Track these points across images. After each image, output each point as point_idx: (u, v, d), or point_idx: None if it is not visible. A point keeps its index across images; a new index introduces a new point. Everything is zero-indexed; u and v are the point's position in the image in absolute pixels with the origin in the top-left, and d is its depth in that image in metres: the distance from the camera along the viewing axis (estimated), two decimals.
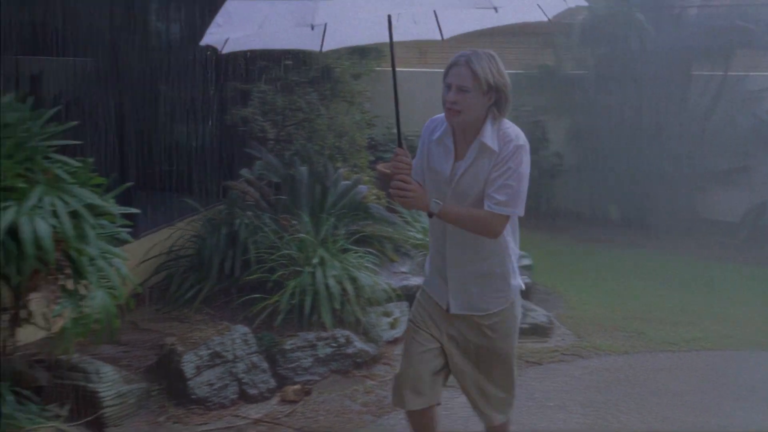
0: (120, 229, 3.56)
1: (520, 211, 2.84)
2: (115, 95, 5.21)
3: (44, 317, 3.41)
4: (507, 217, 2.82)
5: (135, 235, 3.73)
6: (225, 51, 3.08)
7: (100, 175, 3.50)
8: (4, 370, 3.32)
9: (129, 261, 3.62)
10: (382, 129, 8.28)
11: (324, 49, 3.35)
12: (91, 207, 3.36)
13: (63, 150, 3.49)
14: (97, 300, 3.29)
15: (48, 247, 3.07)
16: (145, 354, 4.43)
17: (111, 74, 5.21)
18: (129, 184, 4.08)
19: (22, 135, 3.27)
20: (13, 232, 3.03)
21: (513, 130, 2.85)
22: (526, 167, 2.81)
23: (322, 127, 6.25)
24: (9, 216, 3.03)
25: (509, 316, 3.00)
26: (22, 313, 3.37)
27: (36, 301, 3.37)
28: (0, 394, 3.15)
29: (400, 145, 2.85)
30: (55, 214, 3.16)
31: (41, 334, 3.63)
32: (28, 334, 3.63)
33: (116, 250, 3.48)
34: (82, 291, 3.32)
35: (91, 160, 3.51)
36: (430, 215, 2.84)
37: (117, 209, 3.53)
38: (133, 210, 3.78)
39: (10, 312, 3.36)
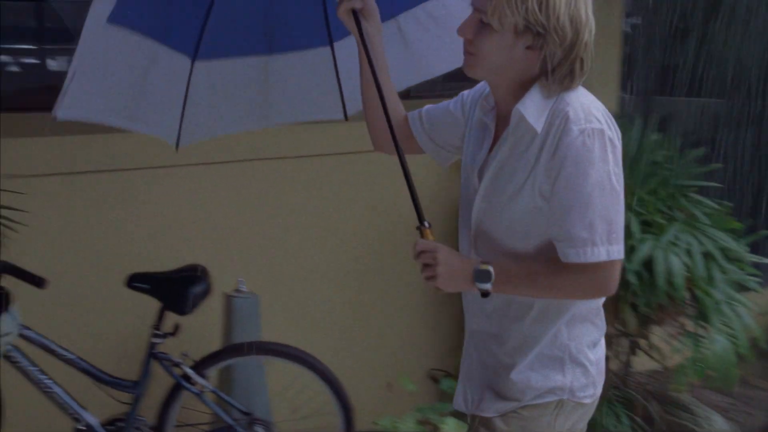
0: (748, 277, 3.44)
1: (617, 250, 1.57)
2: (754, 139, 5.04)
3: (661, 351, 3.50)
4: (611, 265, 1.58)
5: (763, 285, 3.57)
6: None
7: (736, 220, 3.45)
8: (619, 393, 3.52)
9: (753, 311, 3.46)
10: None
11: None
12: (723, 250, 3.33)
13: (701, 191, 3.55)
14: (717, 345, 3.24)
15: (678, 284, 3.14)
16: (752, 412, 4.17)
17: (748, 116, 5.06)
18: (765, 232, 3.91)
19: (666, 173, 3.43)
20: (647, 264, 3.19)
21: (581, 103, 1.59)
22: (605, 168, 1.55)
23: None
24: (646, 248, 3.19)
25: None
26: (642, 343, 3.52)
27: (657, 335, 3.48)
28: (616, 415, 3.35)
29: (421, 222, 1.70)
30: (688, 252, 3.21)
31: (653, 366, 3.73)
32: (639, 364, 3.76)
33: (742, 297, 3.37)
34: (703, 333, 3.30)
35: (728, 204, 3.50)
36: (484, 294, 1.65)
37: (749, 256, 3.43)
38: (766, 260, 3.60)
39: (631, 339, 3.54)
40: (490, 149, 1.72)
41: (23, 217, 2.68)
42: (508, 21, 1.54)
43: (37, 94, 3.76)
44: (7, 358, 2.52)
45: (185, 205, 3.29)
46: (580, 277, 1.59)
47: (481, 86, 1.82)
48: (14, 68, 4.04)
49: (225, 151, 3.20)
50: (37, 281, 2.44)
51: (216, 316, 3.08)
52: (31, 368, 2.58)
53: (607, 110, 1.63)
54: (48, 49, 4.20)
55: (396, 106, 1.96)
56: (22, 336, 2.55)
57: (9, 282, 2.51)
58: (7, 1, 3.54)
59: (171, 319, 2.70)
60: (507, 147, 1.65)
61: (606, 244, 1.55)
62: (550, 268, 1.61)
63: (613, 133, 1.58)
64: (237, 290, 3.11)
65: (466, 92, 1.90)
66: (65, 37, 4.20)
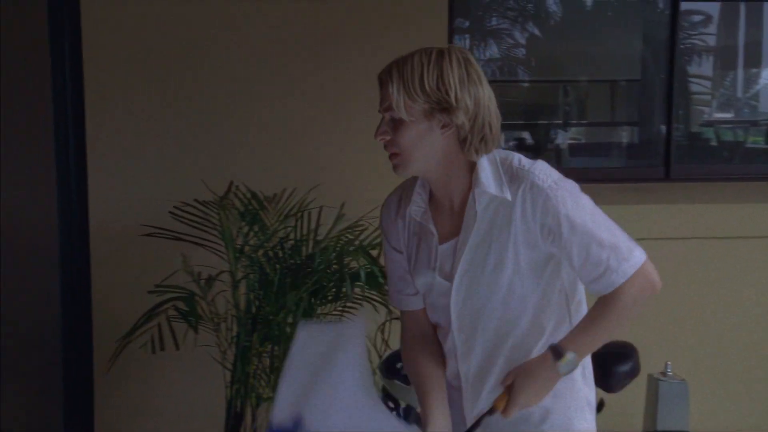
0: None
1: (640, 251, 1.66)
2: None
3: None
4: (646, 264, 1.65)
5: None
6: None
7: None
8: None
9: None
10: None
11: None
12: None
13: None
14: None
15: None
16: None
17: None
18: None
19: None
20: None
21: (524, 165, 1.66)
22: (583, 201, 1.67)
23: None
24: None
25: None
26: None
27: None
28: None
29: None
30: None
31: None
32: None
33: None
34: None
35: None
36: None
37: None
38: None
39: None
40: (441, 241, 1.73)
41: None
42: (416, 108, 1.60)
43: None
44: None
45: None
46: (632, 293, 1.64)
47: (392, 199, 1.83)
48: None
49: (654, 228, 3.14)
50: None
51: (640, 398, 2.98)
52: None
53: None
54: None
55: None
56: None
57: None
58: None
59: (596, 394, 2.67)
60: (484, 226, 1.68)
61: (628, 258, 1.64)
62: (606, 307, 1.65)
63: (559, 175, 1.68)
64: (663, 373, 2.96)
65: (383, 220, 1.85)
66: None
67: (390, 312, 2.75)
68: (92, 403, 3.39)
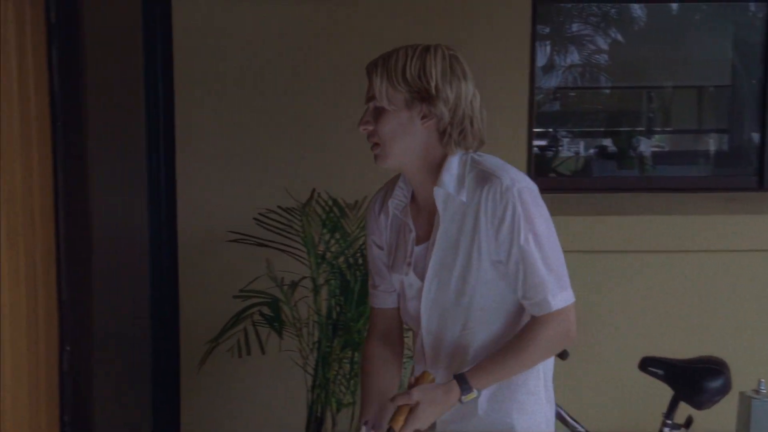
0: None
1: (570, 294, 1.67)
2: None
3: None
4: (571, 309, 1.66)
5: None
6: None
7: None
8: None
9: None
10: None
11: None
12: None
13: None
14: None
15: None
16: None
17: None
18: None
19: None
20: None
21: (499, 167, 1.67)
22: (544, 220, 1.65)
23: None
24: None
25: None
26: None
27: None
28: None
29: None
30: None
31: None
32: None
33: None
34: None
35: None
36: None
37: None
38: None
39: None
40: (417, 241, 1.73)
41: None
42: (398, 97, 1.64)
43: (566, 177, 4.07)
44: None
45: (700, 291, 3.18)
46: (548, 331, 1.64)
47: (378, 195, 1.85)
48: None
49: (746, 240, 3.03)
50: (561, 353, 2.57)
51: (731, 416, 2.86)
52: None
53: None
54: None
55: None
56: None
57: None
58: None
59: (684, 410, 2.59)
60: (444, 228, 1.67)
61: (565, 290, 1.65)
62: (521, 344, 1.64)
63: (532, 185, 1.67)
64: (757, 391, 2.84)
65: (367, 216, 1.88)
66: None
67: None
68: (179, 403, 3.49)
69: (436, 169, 1.68)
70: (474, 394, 1.63)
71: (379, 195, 1.86)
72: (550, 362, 1.83)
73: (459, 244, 1.67)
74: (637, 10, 4.43)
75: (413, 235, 1.74)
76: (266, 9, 3.39)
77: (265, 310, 2.87)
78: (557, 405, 2.73)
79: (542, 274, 1.62)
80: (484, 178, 1.65)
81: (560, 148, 4.58)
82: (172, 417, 3.47)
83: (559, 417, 2.74)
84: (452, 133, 1.65)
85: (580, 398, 3.23)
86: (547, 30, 4.36)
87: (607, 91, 4.69)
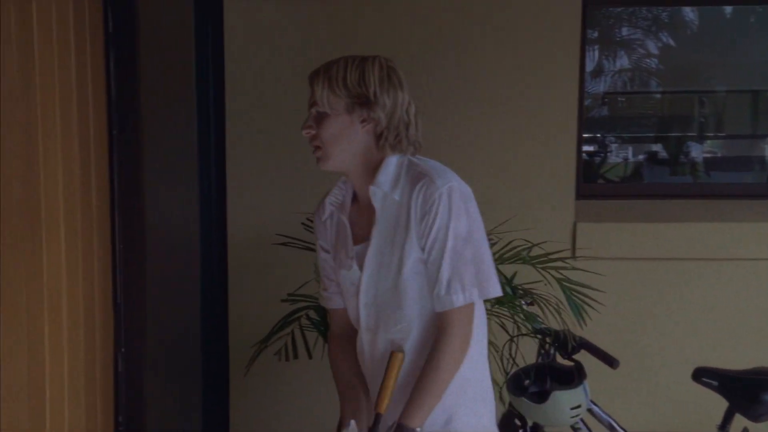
0: None
1: (494, 288, 1.72)
2: None
3: None
4: (470, 308, 1.72)
5: None
6: None
7: None
8: None
9: None
10: None
11: None
12: None
13: None
14: None
15: None
16: None
17: None
18: None
19: None
20: None
21: (432, 166, 1.75)
22: (467, 221, 1.69)
23: None
24: None
25: None
26: None
27: None
28: None
29: None
30: None
31: None
32: None
33: None
34: None
35: None
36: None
37: None
38: None
39: None
40: (356, 240, 1.79)
41: (601, 297, 2.85)
42: (339, 103, 1.72)
43: (615, 183, 4.01)
44: (575, 430, 2.67)
45: (755, 300, 3.11)
46: (453, 341, 1.68)
47: (322, 200, 1.88)
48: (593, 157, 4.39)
49: None
50: (610, 361, 2.54)
51: None
52: None
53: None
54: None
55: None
56: (589, 411, 2.67)
57: (584, 357, 2.68)
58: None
59: (739, 422, 2.53)
60: (381, 226, 1.73)
61: (466, 290, 1.68)
62: (429, 362, 1.67)
63: (465, 188, 1.72)
64: None
65: (315, 220, 1.92)
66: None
67: (518, 329, 2.71)
68: (228, 404, 3.53)
69: (374, 170, 1.76)
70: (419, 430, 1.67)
71: (324, 199, 1.91)
72: (477, 362, 1.83)
73: (394, 241, 1.73)
74: (689, 13, 4.36)
75: (348, 229, 1.82)
76: (317, 13, 3.42)
77: (313, 314, 2.88)
78: (607, 414, 2.70)
79: (447, 269, 1.68)
80: (419, 178, 1.71)
81: (608, 153, 4.52)
82: (222, 418, 3.51)
83: (609, 427, 2.71)
84: (388, 137, 1.74)
85: (630, 408, 3.18)
86: (596, 34, 4.32)
87: (658, 95, 4.62)
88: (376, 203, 1.74)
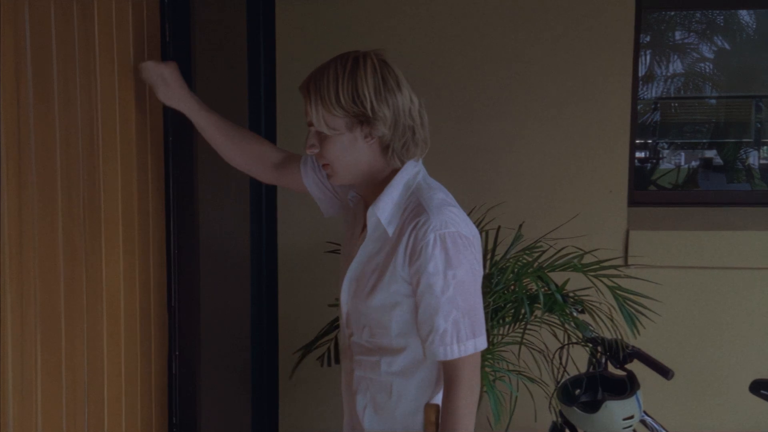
0: None
1: (484, 341, 1.66)
2: None
3: None
4: (472, 358, 1.64)
5: None
6: None
7: None
8: None
9: None
10: None
11: None
12: None
13: None
14: None
15: None
16: None
17: None
18: None
19: None
20: None
21: (435, 205, 1.64)
22: (463, 268, 1.61)
23: None
24: None
25: None
26: None
27: None
28: None
29: None
30: None
31: None
32: None
33: None
34: None
35: None
36: None
37: None
38: None
39: None
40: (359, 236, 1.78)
41: (655, 306, 2.80)
42: (337, 122, 1.64)
43: (669, 190, 3.94)
44: None
45: None
46: (461, 394, 1.63)
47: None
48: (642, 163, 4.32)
49: None
50: (665, 371, 2.50)
51: None
52: None
53: (459, 206, 1.67)
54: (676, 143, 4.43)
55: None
56: (642, 422, 2.63)
57: (637, 367, 2.64)
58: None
59: None
60: (370, 245, 1.71)
61: (463, 342, 1.61)
62: (448, 397, 1.64)
63: (467, 230, 1.65)
64: None
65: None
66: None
67: (568, 337, 2.69)
68: (277, 407, 3.57)
69: (382, 183, 1.72)
70: None
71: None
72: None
73: (375, 264, 1.70)
74: (745, 16, 4.27)
75: (360, 228, 1.80)
76: (372, 19, 3.44)
77: None
78: (660, 425, 2.65)
79: (438, 322, 1.62)
80: (418, 213, 1.64)
81: (660, 159, 4.45)
82: (271, 420, 3.55)
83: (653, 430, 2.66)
84: (395, 148, 1.68)
85: (687, 418, 3.11)
86: (648, 38, 4.25)
87: (713, 101, 4.53)
88: (369, 225, 1.71)
